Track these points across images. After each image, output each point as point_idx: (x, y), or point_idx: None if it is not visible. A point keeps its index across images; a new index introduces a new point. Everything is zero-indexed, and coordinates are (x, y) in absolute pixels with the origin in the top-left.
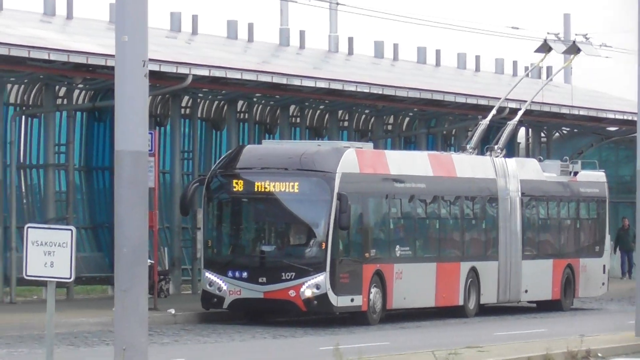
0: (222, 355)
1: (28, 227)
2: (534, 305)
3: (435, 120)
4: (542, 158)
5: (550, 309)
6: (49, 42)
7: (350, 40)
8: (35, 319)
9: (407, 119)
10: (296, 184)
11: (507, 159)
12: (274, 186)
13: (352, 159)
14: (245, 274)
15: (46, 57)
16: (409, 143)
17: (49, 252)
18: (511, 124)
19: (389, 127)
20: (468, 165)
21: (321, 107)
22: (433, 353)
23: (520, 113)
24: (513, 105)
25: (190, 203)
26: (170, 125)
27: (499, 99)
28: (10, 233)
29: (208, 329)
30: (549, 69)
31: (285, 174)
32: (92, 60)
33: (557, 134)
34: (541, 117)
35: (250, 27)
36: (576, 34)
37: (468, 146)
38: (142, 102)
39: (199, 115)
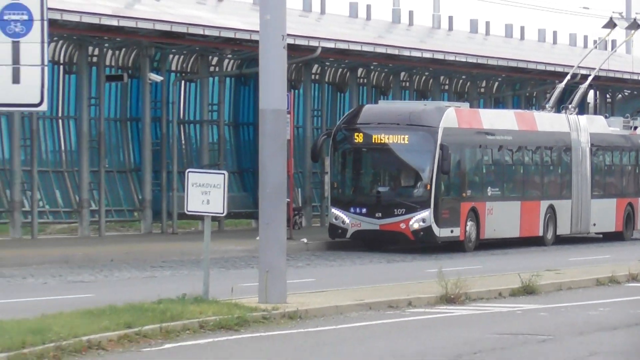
0: (346, 276)
1: (189, 172)
2: (601, 236)
3: (519, 84)
4: (607, 115)
5: (614, 239)
6: (204, 20)
7: (450, 18)
8: (193, 247)
9: (496, 83)
10: (406, 136)
11: (579, 116)
12: (387, 138)
13: (452, 116)
14: (364, 210)
15: (201, 33)
16: (498, 103)
17: (206, 192)
18: (582, 87)
19: (482, 90)
20: (547, 121)
21: (426, 73)
22: (519, 275)
23: (590, 78)
24: (584, 72)
25: (319, 152)
26: (303, 88)
27: (572, 66)
28: (172, 176)
29: (334, 255)
30: (613, 42)
31: (397, 128)
32: (239, 35)
33: (620, 95)
34: (607, 82)
35: (368, 7)
36: (637, 13)
37: (547, 105)
38: (281, 69)
39: (326, 80)
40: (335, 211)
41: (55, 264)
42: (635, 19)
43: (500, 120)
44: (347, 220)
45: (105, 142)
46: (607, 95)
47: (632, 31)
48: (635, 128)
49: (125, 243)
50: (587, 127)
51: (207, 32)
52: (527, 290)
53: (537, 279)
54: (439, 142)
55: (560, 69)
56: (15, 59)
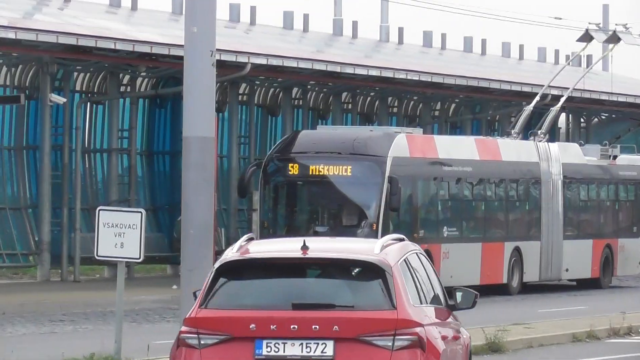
0: None
1: (100, 210)
2: (574, 283)
3: (480, 106)
4: (582, 142)
5: (589, 287)
6: (115, 32)
7: (401, 30)
8: (98, 297)
9: (453, 105)
10: (349, 167)
11: (549, 144)
12: (327, 170)
13: (402, 143)
14: None
15: (112, 47)
16: (454, 128)
17: (120, 233)
18: (554, 110)
19: (436, 113)
20: (513, 150)
21: (372, 94)
22: (482, 329)
23: (562, 100)
24: (555, 92)
25: (248, 186)
26: (228, 111)
27: (542, 86)
28: (75, 214)
29: None
30: (589, 57)
31: (339, 158)
32: (156, 50)
33: (596, 119)
34: (581, 104)
35: (306, 17)
36: (616, 24)
37: (512, 131)
38: (209, 90)
39: (255, 102)
40: None
41: None
42: (614, 31)
43: (458, 148)
44: None
45: None
46: (582, 119)
47: (612, 45)
48: (615, 157)
49: (19, 293)
50: (559, 157)
51: (119, 46)
52: (492, 348)
53: (503, 334)
54: (387, 174)
55: (527, 88)
56: None
